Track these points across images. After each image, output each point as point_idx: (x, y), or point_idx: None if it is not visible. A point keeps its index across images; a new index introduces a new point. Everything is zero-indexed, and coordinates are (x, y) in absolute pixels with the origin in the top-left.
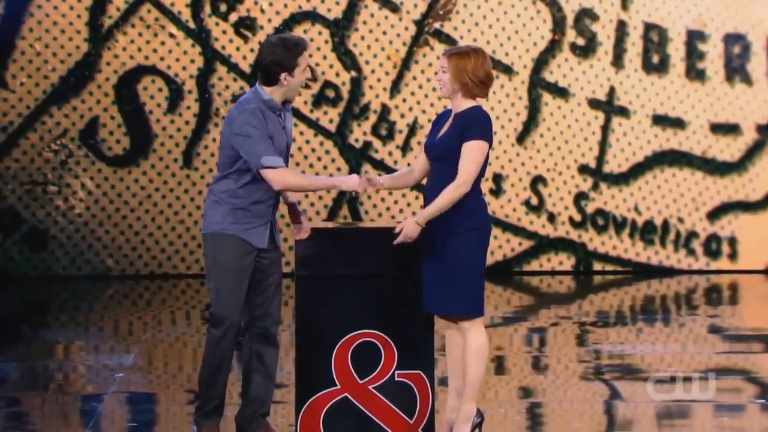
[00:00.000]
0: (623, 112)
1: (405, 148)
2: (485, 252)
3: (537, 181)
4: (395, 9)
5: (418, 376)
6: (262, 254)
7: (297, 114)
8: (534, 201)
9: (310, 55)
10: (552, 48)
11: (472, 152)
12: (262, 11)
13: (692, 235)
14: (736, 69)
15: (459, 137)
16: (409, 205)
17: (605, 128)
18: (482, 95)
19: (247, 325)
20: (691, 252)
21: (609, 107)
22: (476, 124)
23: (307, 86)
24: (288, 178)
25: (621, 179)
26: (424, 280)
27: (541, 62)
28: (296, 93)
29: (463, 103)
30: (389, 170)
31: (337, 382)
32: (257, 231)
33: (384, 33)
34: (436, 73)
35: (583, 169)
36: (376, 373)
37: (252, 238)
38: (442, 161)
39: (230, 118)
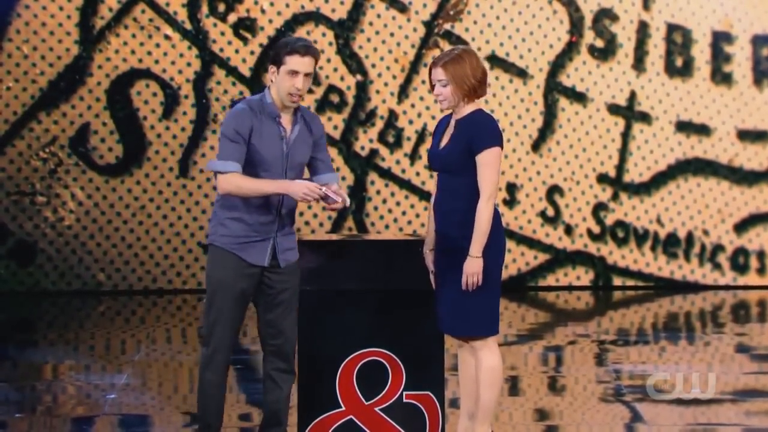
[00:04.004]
0: (645, 118)
1: (413, 156)
2: (499, 266)
3: (553, 191)
4: (403, 9)
5: (428, 397)
6: (268, 271)
7: None
8: (550, 212)
9: (315, 72)
10: (569, 50)
11: (489, 162)
12: (263, 11)
13: (718, 248)
14: (764, 72)
15: (467, 147)
16: (418, 216)
17: (625, 135)
18: (484, 94)
19: (262, 343)
20: (717, 266)
21: (629, 113)
22: (485, 132)
23: (310, 90)
24: (226, 186)
25: (642, 189)
26: (435, 298)
27: (557, 65)
28: (286, 99)
29: (465, 108)
30: (396, 179)
31: (341, 404)
32: (254, 247)
33: (391, 34)
34: (433, 86)
35: (602, 179)
36: (382, 394)
37: (247, 254)
38: (448, 172)
39: None
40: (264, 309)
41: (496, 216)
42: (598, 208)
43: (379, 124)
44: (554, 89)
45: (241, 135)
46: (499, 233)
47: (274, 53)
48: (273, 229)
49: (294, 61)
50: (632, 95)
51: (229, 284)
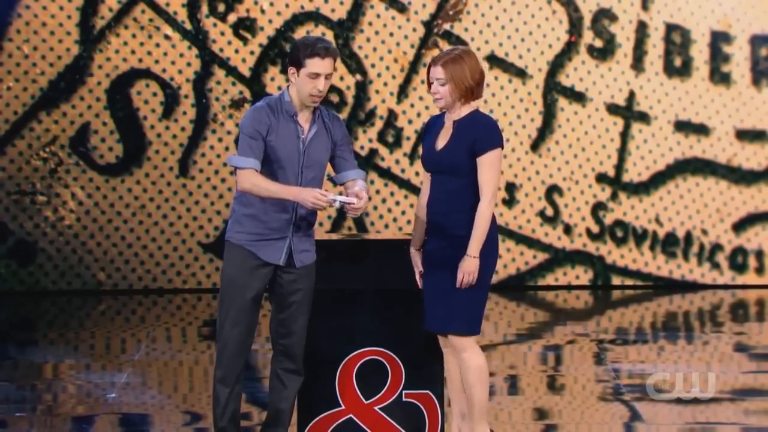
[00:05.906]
0: (643, 117)
1: (413, 155)
2: (490, 268)
3: (552, 191)
4: (403, 9)
5: (427, 396)
6: (282, 270)
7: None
8: (549, 212)
9: (331, 74)
10: (568, 50)
11: (491, 164)
12: (263, 12)
13: (717, 247)
14: (763, 72)
15: (469, 149)
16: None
17: (624, 135)
18: (480, 96)
19: (273, 342)
20: (716, 266)
21: (628, 113)
22: (487, 133)
23: None
24: (244, 183)
25: (641, 189)
26: (425, 297)
27: (556, 65)
28: (306, 100)
29: (461, 109)
30: (396, 179)
31: (341, 403)
32: (269, 245)
33: (391, 34)
34: (431, 84)
35: (601, 178)
36: (382, 393)
37: (261, 251)
38: (449, 173)
39: None
40: (276, 308)
41: (492, 218)
42: (597, 208)
43: (379, 124)
44: (553, 89)
45: (259, 132)
46: (494, 235)
47: (293, 55)
48: (289, 228)
49: (314, 64)
50: (631, 95)
51: (240, 281)
